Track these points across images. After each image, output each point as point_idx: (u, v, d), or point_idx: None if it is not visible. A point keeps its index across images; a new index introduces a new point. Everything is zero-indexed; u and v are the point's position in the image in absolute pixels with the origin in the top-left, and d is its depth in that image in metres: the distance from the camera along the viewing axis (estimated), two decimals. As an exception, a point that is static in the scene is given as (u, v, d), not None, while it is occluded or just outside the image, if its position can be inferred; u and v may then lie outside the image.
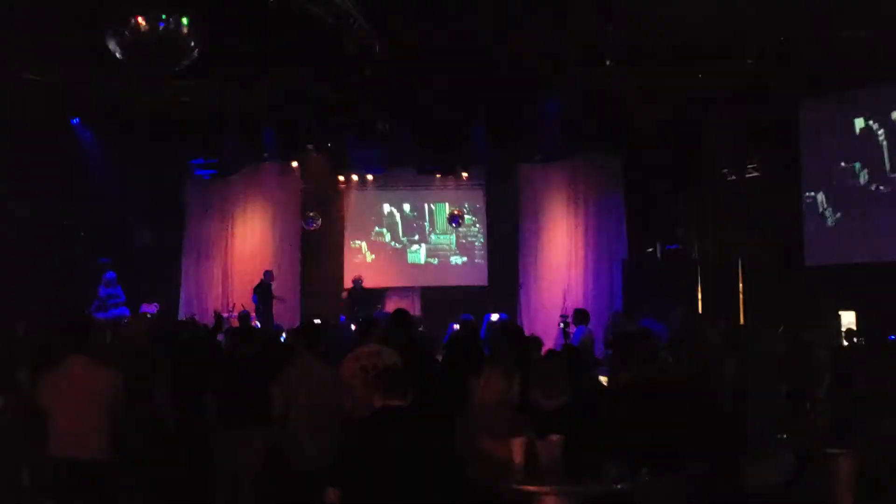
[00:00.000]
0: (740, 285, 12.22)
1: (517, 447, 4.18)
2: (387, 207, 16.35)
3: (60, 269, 12.76)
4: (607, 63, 10.82)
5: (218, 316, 11.11)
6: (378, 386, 4.06)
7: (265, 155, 15.20)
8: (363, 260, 16.13)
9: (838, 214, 11.53)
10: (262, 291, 14.01)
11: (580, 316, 10.10)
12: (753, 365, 7.47)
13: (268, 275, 14.25)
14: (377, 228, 16.31)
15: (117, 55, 8.37)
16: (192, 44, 8.21)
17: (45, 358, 5.65)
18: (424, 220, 16.33)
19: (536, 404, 4.58)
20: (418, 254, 16.31)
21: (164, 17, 7.68)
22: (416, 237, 16.31)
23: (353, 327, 11.50)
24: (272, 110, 13.27)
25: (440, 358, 7.31)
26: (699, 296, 12.53)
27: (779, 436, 5.57)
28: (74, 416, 4.83)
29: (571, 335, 10.32)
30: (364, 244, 16.21)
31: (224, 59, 10.48)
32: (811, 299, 10.78)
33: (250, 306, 13.31)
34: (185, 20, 7.87)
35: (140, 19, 7.68)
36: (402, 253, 16.33)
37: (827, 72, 10.64)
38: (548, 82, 11.91)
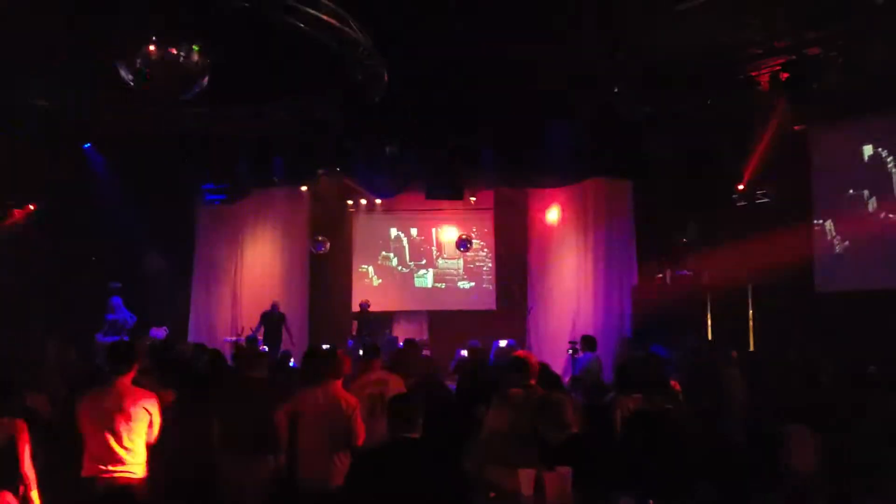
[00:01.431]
0: (750, 311, 12.15)
1: (525, 479, 4.15)
2: (394, 231, 16.39)
3: (71, 293, 12.81)
4: (616, 91, 10.85)
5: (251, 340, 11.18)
6: (386, 417, 4.05)
7: (275, 179, 15.28)
8: (370, 284, 16.15)
9: (846, 243, 11.45)
10: (267, 319, 14.09)
11: (588, 343, 10.07)
12: (763, 392, 7.42)
13: (274, 305, 14.33)
14: (384, 253, 16.34)
15: (129, 83, 8.45)
16: (203, 71, 8.27)
17: (80, 381, 5.75)
18: (432, 244, 16.35)
19: (545, 435, 4.55)
20: (426, 278, 16.31)
21: (175, 45, 7.74)
22: (424, 262, 16.33)
23: (360, 352, 11.49)
24: (282, 136, 13.34)
25: (448, 382, 7.31)
26: (709, 322, 12.46)
27: (787, 464, 5.50)
28: (113, 437, 4.95)
29: (578, 361, 10.27)
30: (371, 268, 16.23)
31: (234, 85, 10.56)
32: (822, 326, 10.69)
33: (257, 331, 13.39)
34: (195, 48, 7.94)
35: (152, 48, 7.75)
36: (408, 277, 16.34)
37: (834, 98, 10.61)
38: (557, 107, 11.94)
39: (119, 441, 4.98)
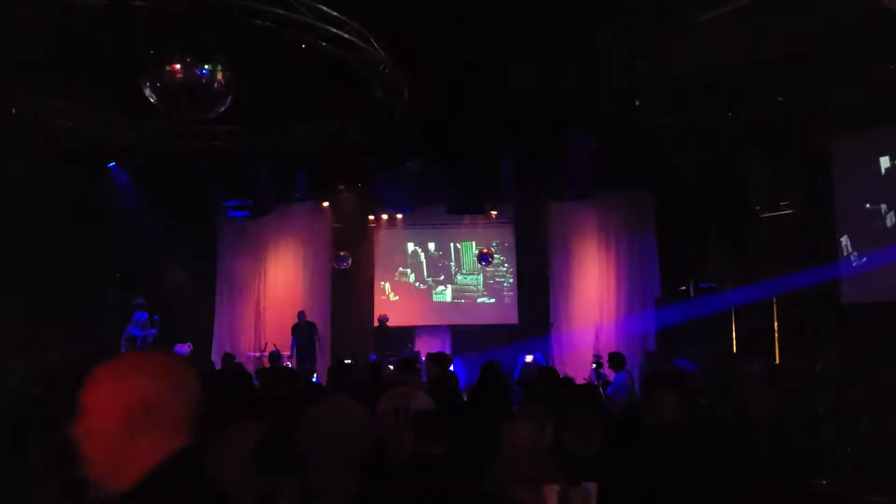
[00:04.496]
0: (775, 323, 12.02)
1: (550, 495, 4.12)
2: (411, 247, 16.32)
3: (95, 309, 12.91)
4: (637, 103, 10.82)
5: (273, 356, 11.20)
6: (413, 431, 4.04)
7: (297, 195, 15.38)
8: (388, 299, 16.12)
9: (864, 259, 11.21)
10: (297, 331, 14.13)
11: (616, 361, 9.76)
12: (790, 405, 7.33)
13: (301, 314, 14.37)
14: (401, 269, 16.28)
15: (153, 101, 8.56)
16: (227, 90, 8.36)
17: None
18: (450, 259, 16.25)
19: (570, 450, 4.51)
20: (444, 294, 16.21)
21: (199, 64, 7.83)
22: (442, 277, 16.22)
23: (390, 367, 11.46)
24: (304, 152, 13.42)
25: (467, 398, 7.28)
26: (733, 335, 12.35)
27: (817, 480, 5.42)
28: None
29: (612, 382, 10.04)
30: (388, 285, 16.19)
31: (257, 102, 10.65)
32: (848, 337, 10.53)
33: (283, 346, 13.40)
34: (219, 67, 8.03)
35: (176, 66, 7.85)
36: (426, 294, 16.26)
37: (851, 109, 10.48)
38: (578, 119, 11.93)
39: None
